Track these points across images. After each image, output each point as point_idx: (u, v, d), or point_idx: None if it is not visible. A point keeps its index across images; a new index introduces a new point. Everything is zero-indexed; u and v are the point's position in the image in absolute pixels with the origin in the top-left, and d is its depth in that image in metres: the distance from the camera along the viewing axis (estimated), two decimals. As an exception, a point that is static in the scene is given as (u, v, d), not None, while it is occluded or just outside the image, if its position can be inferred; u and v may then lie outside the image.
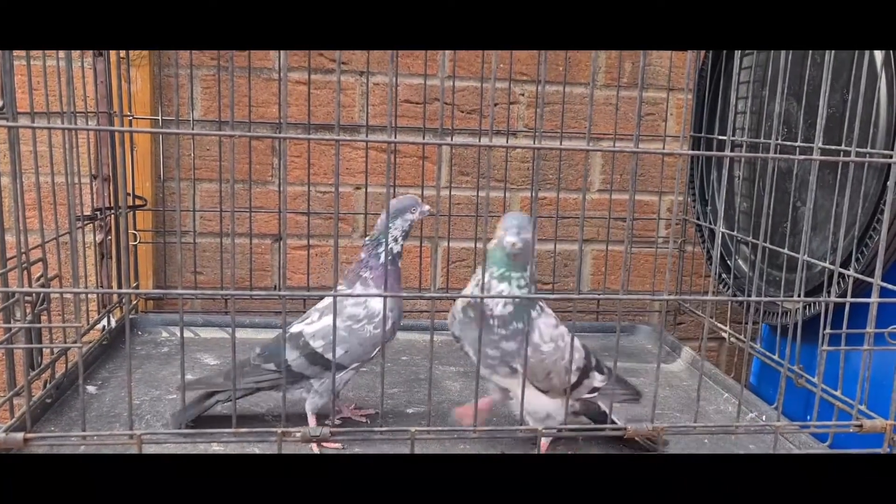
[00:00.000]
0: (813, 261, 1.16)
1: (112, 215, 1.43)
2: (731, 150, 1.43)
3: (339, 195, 1.69)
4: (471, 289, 1.03)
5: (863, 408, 1.05)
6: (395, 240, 1.07)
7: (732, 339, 1.44)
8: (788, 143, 1.24)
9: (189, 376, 1.25)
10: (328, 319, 1.03)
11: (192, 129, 1.58)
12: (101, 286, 1.45)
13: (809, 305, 1.22)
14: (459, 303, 1.03)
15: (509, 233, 0.97)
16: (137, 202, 1.55)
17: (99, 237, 1.45)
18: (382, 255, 1.05)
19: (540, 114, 0.91)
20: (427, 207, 1.10)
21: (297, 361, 1.06)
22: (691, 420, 1.19)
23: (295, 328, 1.09)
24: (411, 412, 1.17)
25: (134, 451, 0.85)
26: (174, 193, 1.65)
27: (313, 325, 1.08)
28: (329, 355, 1.03)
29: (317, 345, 1.06)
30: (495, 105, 1.71)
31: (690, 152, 1.53)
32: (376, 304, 1.06)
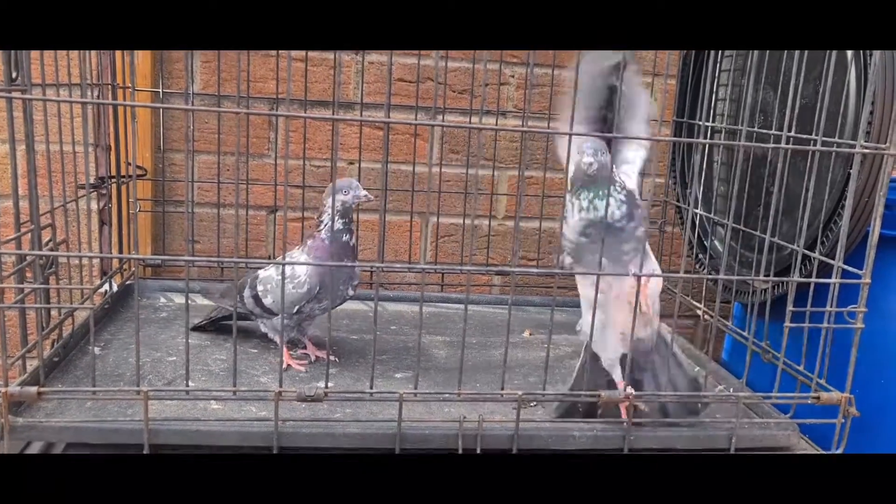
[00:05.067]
0: (781, 242, 1.23)
1: (114, 184, 1.48)
2: (710, 137, 1.50)
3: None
4: (574, 213, 1.04)
5: (822, 381, 1.12)
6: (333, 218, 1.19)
7: (706, 317, 1.50)
8: (764, 130, 1.31)
9: (192, 340, 1.31)
10: (272, 270, 1.26)
11: (192, 102, 1.63)
12: (102, 252, 1.50)
13: (777, 285, 1.29)
14: (573, 228, 1.05)
15: (586, 153, 1.00)
16: (138, 172, 1.60)
17: (101, 204, 1.50)
18: (324, 230, 1.21)
19: (528, 95, 0.97)
20: (364, 193, 1.21)
21: (248, 300, 1.27)
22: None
23: (259, 271, 1.30)
24: (399, 377, 1.24)
25: (140, 406, 0.92)
26: (173, 164, 1.70)
27: (264, 272, 1.29)
28: (266, 300, 1.25)
29: (260, 289, 1.26)
30: (486, 86, 1.76)
31: (669, 139, 1.59)
32: (300, 270, 1.22)
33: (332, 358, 1.25)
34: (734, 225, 1.25)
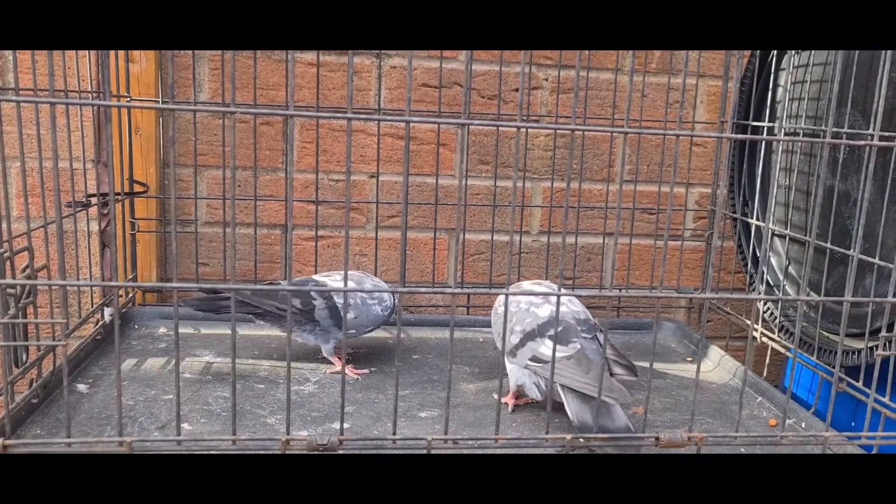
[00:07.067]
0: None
1: (114, 202, 1.35)
2: (788, 143, 1.33)
3: (353, 183, 1.61)
4: None
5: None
6: None
7: (772, 344, 1.35)
8: (857, 131, 1.14)
9: (187, 374, 1.17)
10: (350, 284, 1.21)
11: (196, 112, 1.50)
12: (104, 278, 1.37)
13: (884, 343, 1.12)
14: None
15: None
16: (138, 188, 1.47)
17: (102, 225, 1.37)
18: None
19: (576, 95, 0.82)
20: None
21: (321, 311, 1.21)
22: (725, 426, 1.13)
23: (319, 277, 1.27)
24: (424, 416, 1.09)
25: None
26: (180, 181, 1.57)
27: (334, 282, 1.24)
28: (348, 314, 1.20)
29: (340, 302, 1.21)
30: (516, 90, 1.62)
31: (741, 136, 1.42)
32: (385, 294, 1.26)
33: (356, 376, 1.25)
34: (814, 241, 1.05)
